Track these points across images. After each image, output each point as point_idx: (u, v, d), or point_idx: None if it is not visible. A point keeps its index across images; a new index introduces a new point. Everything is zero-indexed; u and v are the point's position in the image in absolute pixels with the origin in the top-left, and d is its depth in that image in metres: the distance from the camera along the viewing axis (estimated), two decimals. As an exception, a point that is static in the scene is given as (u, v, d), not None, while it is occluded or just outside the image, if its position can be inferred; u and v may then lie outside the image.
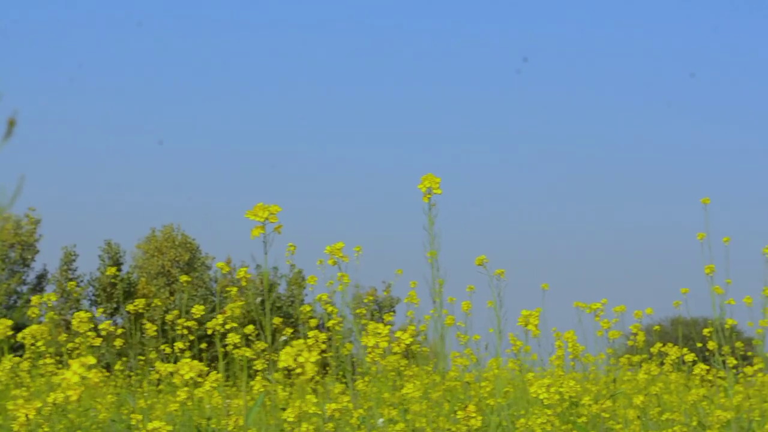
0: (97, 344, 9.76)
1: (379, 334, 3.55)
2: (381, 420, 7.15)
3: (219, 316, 8.75)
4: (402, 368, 12.83)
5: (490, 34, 75.98)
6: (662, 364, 10.84)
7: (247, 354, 9.52)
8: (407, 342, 4.88)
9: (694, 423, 9.56)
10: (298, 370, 3.08)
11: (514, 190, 71.86)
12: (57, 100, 75.32)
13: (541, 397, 5.35)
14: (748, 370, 9.63)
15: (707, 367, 7.99)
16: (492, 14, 76.28)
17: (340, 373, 13.08)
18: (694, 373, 8.12)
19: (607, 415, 8.66)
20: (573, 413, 8.07)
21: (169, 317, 11.26)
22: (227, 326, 8.71)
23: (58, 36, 79.00)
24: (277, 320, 11.65)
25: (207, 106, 78.46)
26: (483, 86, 75.67)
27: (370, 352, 3.74)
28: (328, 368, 13.13)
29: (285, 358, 3.13)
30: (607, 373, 10.92)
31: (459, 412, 5.51)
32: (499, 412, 9.37)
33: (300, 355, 3.10)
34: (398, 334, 4.82)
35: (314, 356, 3.12)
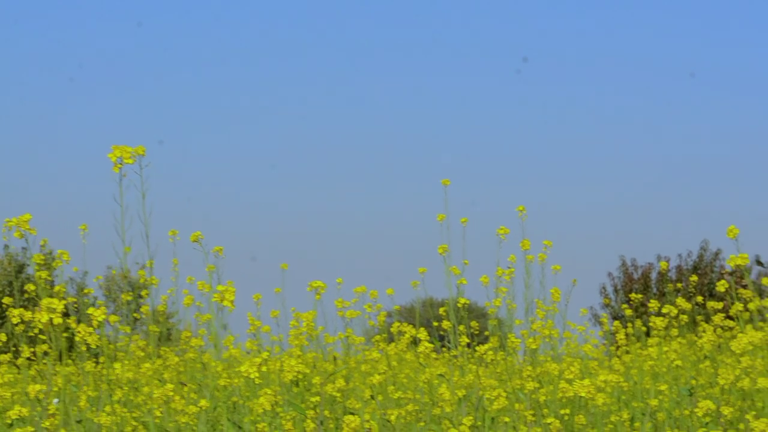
0: None
1: (54, 310, 3.42)
2: (56, 400, 7.02)
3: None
4: (141, 350, 12.64)
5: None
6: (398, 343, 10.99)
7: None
8: (99, 319, 4.75)
9: (426, 399, 9.72)
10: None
11: (244, 171, 71.93)
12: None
13: (252, 376, 5.30)
14: (481, 348, 9.87)
15: (431, 346, 8.12)
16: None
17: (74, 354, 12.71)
18: (418, 351, 8.24)
19: (338, 395, 8.70)
20: (303, 393, 8.08)
21: None
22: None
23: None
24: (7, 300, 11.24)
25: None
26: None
27: (80, 332, 3.60)
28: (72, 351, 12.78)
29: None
30: (344, 353, 10.99)
31: (156, 391, 5.41)
32: (230, 393, 9.30)
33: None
34: (91, 311, 4.68)
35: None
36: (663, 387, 9.02)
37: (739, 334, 6.86)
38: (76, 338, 3.53)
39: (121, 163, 4.67)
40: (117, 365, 6.52)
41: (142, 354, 11.14)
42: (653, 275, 37.93)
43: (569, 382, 8.46)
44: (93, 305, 7.06)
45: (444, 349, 11.99)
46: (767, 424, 5.51)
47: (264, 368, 5.04)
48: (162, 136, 73.50)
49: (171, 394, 5.43)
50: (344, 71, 78.39)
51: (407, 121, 77.30)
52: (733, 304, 9.22)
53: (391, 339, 11.49)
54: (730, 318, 10.42)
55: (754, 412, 8.28)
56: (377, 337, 12.27)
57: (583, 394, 5.88)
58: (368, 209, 73.05)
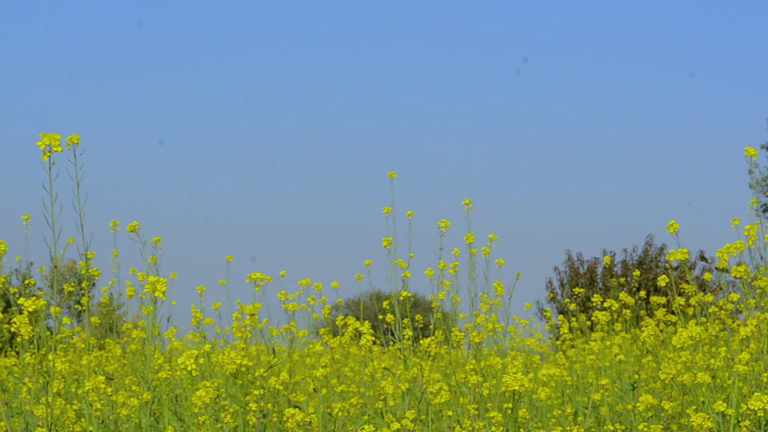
0: None
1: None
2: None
3: None
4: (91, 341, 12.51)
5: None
6: (344, 336, 10.96)
7: None
8: (30, 309, 4.69)
9: (371, 393, 9.70)
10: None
11: (175, 161, 71.82)
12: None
13: (189, 368, 5.26)
14: (424, 342, 9.85)
15: (373, 339, 8.11)
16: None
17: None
18: (360, 344, 8.23)
19: (280, 387, 8.66)
20: (247, 386, 8.03)
21: None
22: None
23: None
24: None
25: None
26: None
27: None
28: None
29: None
30: (290, 345, 10.95)
31: (87, 383, 5.35)
32: (174, 386, 9.24)
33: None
34: (21, 300, 4.62)
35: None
36: (604, 381, 9.06)
37: (680, 329, 6.89)
38: (12, 329, 3.46)
39: (50, 151, 4.61)
40: (51, 356, 6.43)
41: (83, 346, 11.04)
42: (599, 270, 38.16)
43: (521, 375, 8.46)
44: (35, 296, 6.98)
45: (391, 342, 11.98)
46: (705, 418, 5.55)
47: (202, 360, 4.99)
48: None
49: (102, 386, 5.37)
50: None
51: (365, 114, 77.33)
52: (674, 299, 9.27)
53: (336, 332, 11.48)
54: (674, 313, 10.49)
55: (695, 407, 8.34)
56: (322, 330, 12.24)
57: (516, 388, 5.88)
58: (320, 201, 72.98)
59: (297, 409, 6.39)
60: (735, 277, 8.87)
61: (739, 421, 7.34)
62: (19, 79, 70.93)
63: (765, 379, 8.04)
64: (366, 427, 6.10)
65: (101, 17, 76.30)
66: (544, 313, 16.68)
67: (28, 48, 74.87)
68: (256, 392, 8.12)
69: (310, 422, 6.83)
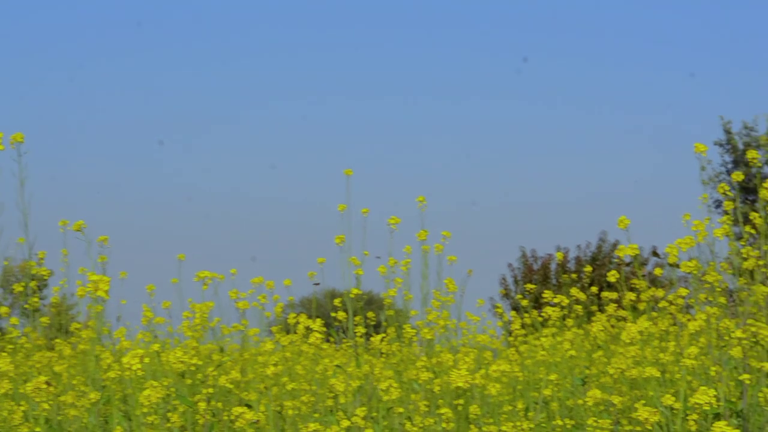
0: None
1: None
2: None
3: None
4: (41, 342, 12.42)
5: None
6: (298, 334, 10.92)
7: None
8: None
9: (323, 391, 9.68)
10: None
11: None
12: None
13: (134, 368, 5.22)
14: (375, 339, 9.86)
15: (321, 336, 8.09)
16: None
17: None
18: (309, 342, 8.21)
19: (231, 386, 8.62)
20: (198, 386, 7.99)
21: None
22: None
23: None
24: None
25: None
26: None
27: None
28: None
29: None
30: (242, 344, 10.91)
31: (30, 384, 5.30)
32: (125, 386, 9.16)
33: None
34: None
35: None
36: (553, 377, 9.08)
37: (628, 324, 6.92)
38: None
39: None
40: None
41: (30, 346, 10.95)
42: (553, 266, 38.31)
43: (465, 372, 8.47)
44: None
45: (344, 340, 11.97)
46: (651, 412, 5.57)
47: (147, 360, 4.95)
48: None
49: (44, 386, 5.32)
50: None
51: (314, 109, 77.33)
52: (625, 294, 9.32)
53: (289, 330, 11.44)
54: (625, 308, 10.54)
55: (643, 401, 8.37)
56: (274, 328, 12.20)
57: (461, 384, 5.88)
58: (278, 199, 73.00)
59: (246, 407, 6.36)
60: (685, 272, 8.92)
61: (687, 415, 7.38)
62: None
63: (713, 373, 8.10)
64: (312, 425, 6.08)
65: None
66: (496, 310, 16.72)
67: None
68: (206, 391, 8.07)
69: (258, 421, 6.79)
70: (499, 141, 70.86)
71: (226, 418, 8.93)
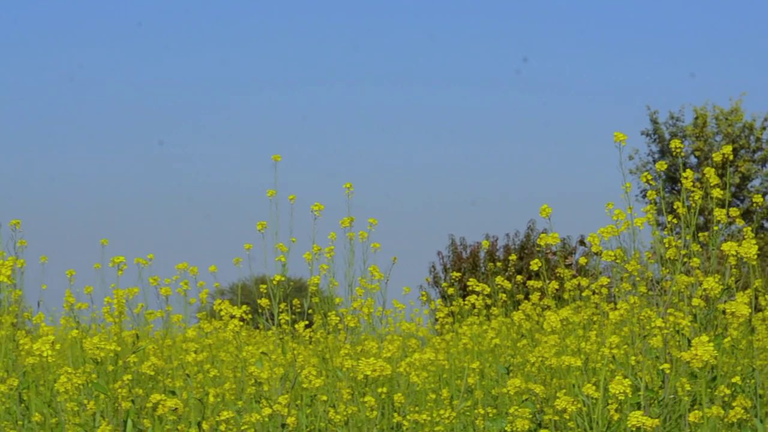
0: None
1: None
2: None
3: None
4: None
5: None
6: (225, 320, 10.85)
7: None
8: None
9: (246, 378, 9.63)
10: None
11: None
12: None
13: (45, 354, 5.16)
14: (299, 326, 9.82)
15: (240, 324, 8.05)
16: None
17: None
18: (228, 328, 8.15)
19: (152, 372, 8.55)
20: (118, 372, 7.90)
21: None
22: None
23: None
24: None
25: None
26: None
27: None
28: None
29: None
30: (164, 331, 10.82)
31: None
32: (47, 372, 9.06)
33: None
34: None
35: None
36: (476, 365, 9.10)
37: (547, 312, 6.95)
38: None
39: None
40: None
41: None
42: (482, 254, 38.46)
43: (388, 360, 8.47)
44: None
45: (271, 326, 11.91)
46: (569, 401, 5.59)
47: (58, 346, 4.88)
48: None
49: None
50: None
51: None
52: (549, 283, 9.36)
53: (215, 317, 11.36)
54: (552, 297, 10.59)
55: (564, 390, 8.42)
56: (200, 315, 12.11)
57: (368, 373, 5.87)
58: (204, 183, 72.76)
59: (170, 394, 6.32)
60: (607, 261, 8.98)
61: (608, 404, 7.42)
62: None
63: (633, 362, 8.15)
64: (225, 413, 6.03)
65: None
66: (421, 298, 16.74)
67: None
68: (125, 378, 7.99)
69: (176, 409, 6.74)
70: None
71: (148, 405, 8.85)
